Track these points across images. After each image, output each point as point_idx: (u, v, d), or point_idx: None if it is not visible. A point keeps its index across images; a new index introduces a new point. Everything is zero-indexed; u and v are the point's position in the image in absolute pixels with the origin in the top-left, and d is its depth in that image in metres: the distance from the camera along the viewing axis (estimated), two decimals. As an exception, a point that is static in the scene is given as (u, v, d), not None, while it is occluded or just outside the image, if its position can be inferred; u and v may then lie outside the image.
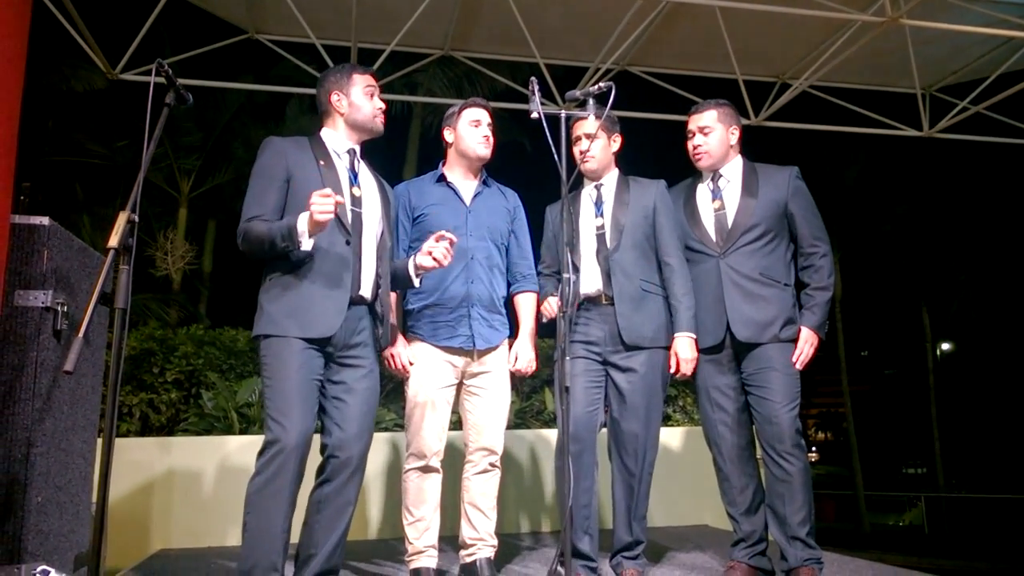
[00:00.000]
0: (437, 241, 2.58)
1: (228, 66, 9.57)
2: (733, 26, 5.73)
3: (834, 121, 7.17)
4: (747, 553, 2.93)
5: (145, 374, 4.82)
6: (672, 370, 2.92)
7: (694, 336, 2.91)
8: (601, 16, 5.69)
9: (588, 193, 3.09)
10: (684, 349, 2.89)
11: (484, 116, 3.03)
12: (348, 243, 2.50)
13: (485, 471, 2.98)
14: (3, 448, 2.07)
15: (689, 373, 2.91)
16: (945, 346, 26.08)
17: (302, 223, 2.29)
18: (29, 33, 2.06)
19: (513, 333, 3.10)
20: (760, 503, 2.95)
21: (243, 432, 4.53)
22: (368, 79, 2.67)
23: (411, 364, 2.90)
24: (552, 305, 2.97)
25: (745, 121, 6.43)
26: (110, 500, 1.75)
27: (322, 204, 2.23)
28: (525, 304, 3.13)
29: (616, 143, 3.11)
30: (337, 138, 2.65)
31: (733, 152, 3.06)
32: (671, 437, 4.87)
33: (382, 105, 2.69)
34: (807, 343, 2.86)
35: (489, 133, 3.03)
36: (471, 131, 3.01)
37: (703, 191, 3.08)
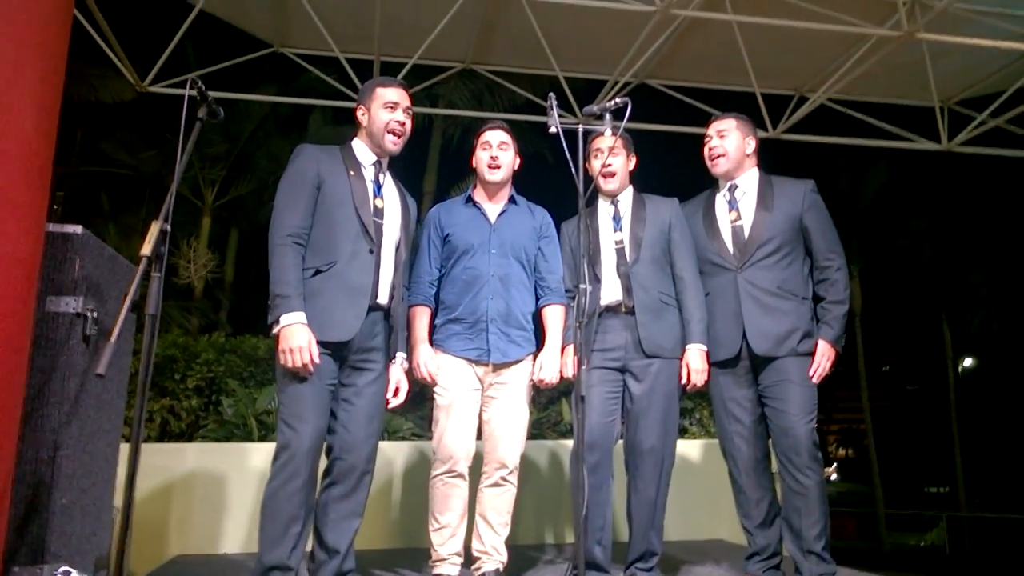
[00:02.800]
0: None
1: (252, 77, 9.69)
2: (751, 40, 5.75)
3: (852, 134, 7.13)
4: (761, 566, 2.93)
5: (167, 380, 4.89)
6: (683, 381, 2.93)
7: (705, 348, 2.92)
8: (619, 30, 5.73)
9: (605, 209, 3.12)
10: (695, 360, 2.90)
11: (494, 137, 3.07)
12: (372, 251, 2.58)
13: (497, 484, 2.97)
14: (31, 449, 2.12)
15: (700, 384, 2.92)
16: (967, 362, 25.68)
17: (286, 320, 2.39)
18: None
19: (540, 345, 3.10)
20: (775, 516, 2.95)
21: (262, 439, 4.58)
22: (389, 93, 2.72)
23: (435, 373, 2.94)
24: (570, 366, 2.97)
25: (763, 134, 6.43)
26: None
27: (298, 357, 2.36)
28: (552, 316, 3.11)
29: (632, 162, 3.15)
30: (363, 150, 2.75)
31: (749, 162, 3.09)
32: (688, 449, 4.86)
33: (402, 119, 2.72)
34: (824, 356, 2.87)
35: (498, 154, 3.04)
36: (480, 155, 3.09)
37: (720, 202, 3.10)
